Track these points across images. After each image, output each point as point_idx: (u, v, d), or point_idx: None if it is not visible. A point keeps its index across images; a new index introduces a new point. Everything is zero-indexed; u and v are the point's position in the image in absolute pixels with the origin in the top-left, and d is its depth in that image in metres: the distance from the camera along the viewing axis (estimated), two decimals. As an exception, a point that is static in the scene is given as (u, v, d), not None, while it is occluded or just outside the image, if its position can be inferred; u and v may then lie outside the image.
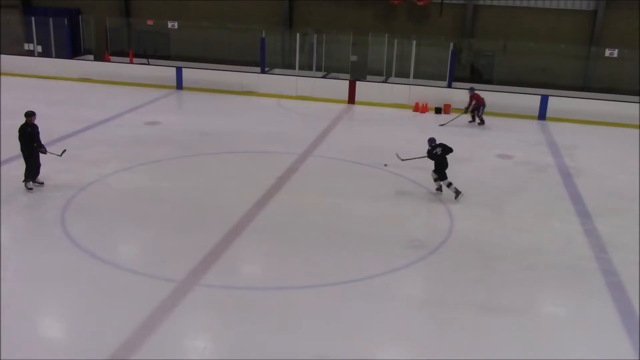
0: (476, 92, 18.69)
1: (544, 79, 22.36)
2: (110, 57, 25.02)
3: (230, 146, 15.56)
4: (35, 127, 11.98)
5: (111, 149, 14.87)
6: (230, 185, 12.91)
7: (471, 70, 24.15)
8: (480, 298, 8.72)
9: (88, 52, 26.03)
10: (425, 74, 22.55)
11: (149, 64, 23.90)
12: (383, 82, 22.39)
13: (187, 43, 25.32)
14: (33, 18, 25.13)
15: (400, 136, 17.30)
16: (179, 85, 22.27)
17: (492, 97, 19.74)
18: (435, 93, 20.69)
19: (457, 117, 18.91)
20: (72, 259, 9.43)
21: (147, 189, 12.52)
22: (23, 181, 11.93)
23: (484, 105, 18.56)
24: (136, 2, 26.34)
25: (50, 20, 24.99)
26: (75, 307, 8.31)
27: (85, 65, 23.59)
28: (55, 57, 24.48)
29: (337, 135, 16.35)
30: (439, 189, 12.65)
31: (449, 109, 20.26)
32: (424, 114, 20.24)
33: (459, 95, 20.20)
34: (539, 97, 20.23)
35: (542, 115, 20.08)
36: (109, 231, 10.55)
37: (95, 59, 25.26)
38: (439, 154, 12.48)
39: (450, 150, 12.50)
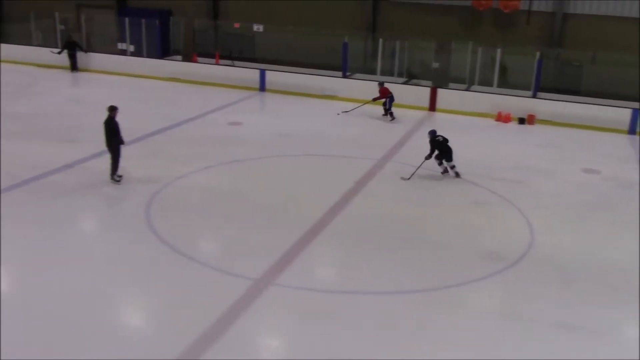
0: (385, 85, 19.52)
1: (635, 92, 21.40)
2: (197, 58, 25.78)
3: (310, 149, 15.73)
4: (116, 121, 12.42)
5: (195, 147, 15.34)
6: (308, 187, 13.06)
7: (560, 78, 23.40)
8: (559, 316, 8.46)
9: (177, 52, 26.91)
10: (509, 83, 22.05)
11: (234, 66, 24.49)
12: (465, 90, 22.04)
13: (271, 46, 25.76)
14: (127, 19, 26.25)
15: (480, 145, 16.99)
16: (262, 87, 22.69)
17: (579, 109, 19.10)
18: (519, 103, 20.19)
19: (361, 105, 19.65)
20: (154, 252, 9.79)
21: (227, 188, 12.85)
22: (110, 175, 12.45)
23: (391, 98, 19.23)
24: (225, 4, 27.04)
25: (143, 21, 26.02)
26: (155, 299, 8.63)
27: (173, 65, 24.41)
28: (146, 57, 25.45)
29: (417, 142, 16.22)
30: (445, 171, 13.91)
31: (533, 119, 19.74)
32: (506, 124, 19.79)
33: (545, 106, 19.65)
34: (630, 110, 19.38)
35: (632, 129, 19.22)
36: (190, 227, 10.89)
37: (183, 60, 26.07)
38: (441, 141, 13.70)
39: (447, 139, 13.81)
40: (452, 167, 13.86)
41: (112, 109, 12.33)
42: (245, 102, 21.01)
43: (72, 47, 24.38)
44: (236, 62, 25.06)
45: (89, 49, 25.41)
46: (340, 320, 8.14)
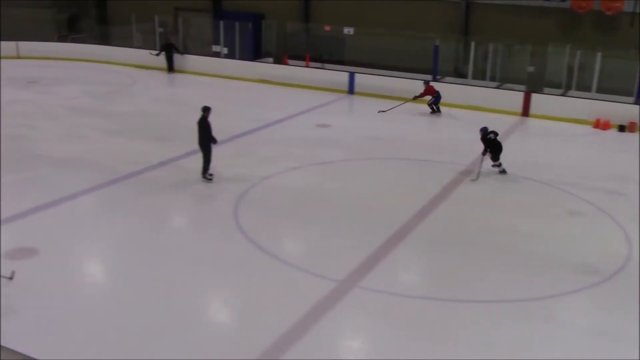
0: (431, 84, 19.87)
1: None
2: (288, 60, 26.17)
3: (397, 152, 15.61)
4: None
5: (283, 147, 15.57)
6: (395, 191, 12.97)
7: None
8: (658, 336, 7.98)
9: (268, 55, 27.42)
10: (609, 89, 21.03)
11: (323, 68, 24.68)
12: (561, 95, 21.22)
13: (360, 49, 25.77)
14: (221, 22, 27.00)
15: (576, 153, 16.31)
16: (351, 90, 22.74)
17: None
18: (619, 109, 19.21)
19: (402, 103, 19.76)
20: (240, 250, 10.00)
21: (314, 189, 12.96)
22: (202, 174, 12.83)
23: (438, 96, 19.66)
24: (316, 7, 27.30)
25: (237, 24, 26.69)
26: (239, 296, 8.82)
27: (264, 67, 24.90)
28: (239, 59, 26.09)
29: (508, 148, 15.74)
30: (503, 170, 13.88)
31: (634, 127, 18.74)
32: (605, 132, 18.89)
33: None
34: None
35: None
36: (277, 226, 11.06)
37: (274, 62, 26.54)
38: (493, 139, 13.79)
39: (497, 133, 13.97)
40: (499, 165, 13.95)
41: (206, 110, 12.69)
42: (334, 105, 21.12)
43: (169, 49, 25.34)
44: (326, 65, 25.25)
45: (185, 51, 26.32)
46: (422, 327, 8.03)
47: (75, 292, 8.62)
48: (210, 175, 12.83)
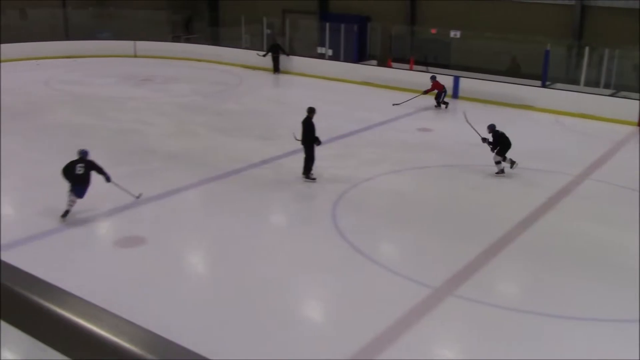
0: (437, 79, 20.22)
1: None
2: (392, 63, 26.07)
3: (500, 160, 15.16)
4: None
5: (384, 150, 15.52)
6: (497, 199, 12.62)
7: None
8: None
9: (373, 57, 27.43)
10: None
11: (427, 72, 24.38)
12: (684, 104, 19.84)
13: (467, 52, 25.26)
14: (327, 24, 27.30)
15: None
16: (455, 94, 22.32)
17: None
18: None
19: (415, 97, 20.11)
20: (337, 250, 10.07)
21: (413, 193, 12.83)
22: (304, 173, 13.01)
23: (444, 91, 20.20)
24: (423, 10, 27.04)
25: (342, 26, 26.89)
26: (334, 296, 8.88)
27: (368, 70, 24.93)
28: (343, 61, 26.27)
29: (621, 160, 14.95)
30: (502, 171, 13.69)
31: None
32: None
33: None
34: None
35: None
36: (374, 229, 11.04)
37: (378, 64, 26.51)
38: (502, 133, 13.73)
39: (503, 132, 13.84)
40: (504, 160, 13.75)
41: (311, 111, 12.89)
42: (437, 109, 20.82)
43: (276, 50, 25.91)
44: (430, 68, 24.93)
45: (291, 52, 26.82)
46: (517, 341, 7.75)
47: (175, 282, 9.00)
48: (313, 176, 12.97)
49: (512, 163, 13.73)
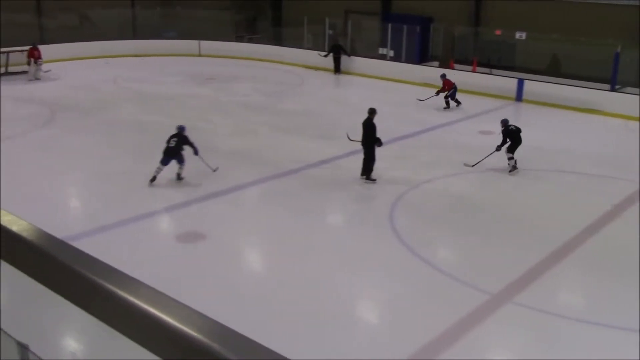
0: (447, 77, 20.16)
1: None
2: (454, 64, 25.74)
3: (563, 164, 14.78)
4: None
5: (443, 153, 15.35)
6: (559, 205, 12.29)
7: None
8: None
9: (435, 58, 27.16)
10: None
11: (490, 74, 23.97)
12: None
13: (532, 55, 24.70)
14: (390, 25, 27.18)
15: None
16: (519, 97, 21.87)
17: None
18: None
19: (433, 96, 19.91)
20: (393, 252, 10.04)
21: (472, 197, 12.65)
22: (363, 174, 13.00)
23: (454, 88, 20.00)
24: (487, 11, 26.59)
25: (405, 27, 26.73)
26: (390, 298, 8.86)
27: (429, 71, 24.63)
28: (404, 62, 26.11)
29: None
30: (515, 167, 13.64)
31: None
32: None
33: None
34: None
35: None
36: (431, 231, 10.96)
37: (440, 66, 26.21)
38: (514, 130, 13.69)
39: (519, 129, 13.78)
40: (512, 158, 13.72)
41: (372, 112, 12.89)
42: (499, 112, 20.40)
43: (337, 51, 25.96)
44: (493, 70, 24.49)
45: (352, 52, 26.82)
46: (575, 351, 7.54)
47: (233, 277, 9.15)
48: (374, 177, 12.93)
49: (513, 164, 13.80)
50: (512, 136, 13.72)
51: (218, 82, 23.73)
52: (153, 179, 12.41)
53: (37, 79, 22.66)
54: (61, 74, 23.18)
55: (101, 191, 12.50)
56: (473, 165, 13.94)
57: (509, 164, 13.77)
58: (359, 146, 13.13)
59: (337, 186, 12.92)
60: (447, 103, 20.19)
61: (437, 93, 20.19)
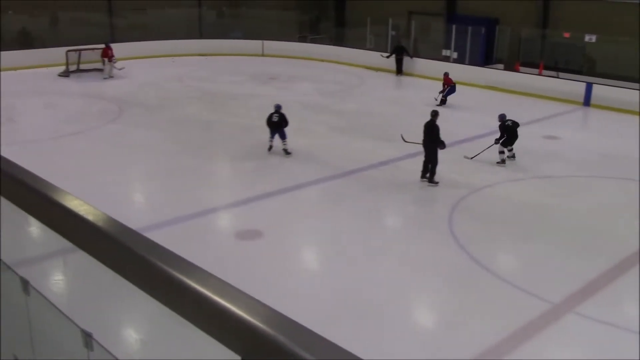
0: (449, 76, 20.58)
1: None
2: (520, 67, 25.21)
3: (632, 173, 14.23)
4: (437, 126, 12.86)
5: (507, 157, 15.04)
6: (627, 214, 11.86)
7: None
8: None
9: (499, 61, 26.66)
10: None
11: (557, 77, 23.36)
12: None
13: (602, 58, 23.94)
14: (454, 26, 26.83)
15: None
16: (586, 102, 21.22)
17: None
18: None
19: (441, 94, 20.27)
20: (452, 256, 9.91)
21: (535, 203, 12.35)
22: (425, 176, 12.87)
23: (452, 88, 20.28)
24: (556, 13, 25.91)
25: (469, 28, 26.33)
26: (446, 303, 8.75)
27: (494, 74, 24.24)
28: (468, 64, 25.74)
29: None
30: (503, 161, 14.00)
31: None
32: None
33: None
34: None
35: None
36: (491, 237, 10.77)
37: (505, 69, 25.73)
38: (511, 125, 13.96)
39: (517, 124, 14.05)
40: (510, 151, 14.13)
41: (435, 114, 12.79)
42: (565, 117, 19.91)
43: (400, 52, 25.80)
44: (560, 74, 23.85)
45: (415, 54, 26.61)
46: (646, 367, 7.28)
47: (288, 276, 9.23)
48: (436, 180, 12.80)
49: (511, 156, 14.23)
50: (508, 131, 14.05)
51: (280, 81, 23.97)
52: (270, 147, 14.51)
53: (111, 76, 23.44)
54: (130, 72, 23.89)
55: (164, 186, 12.84)
56: (472, 158, 14.24)
57: (499, 158, 14.11)
58: (419, 148, 13.03)
59: (396, 188, 12.86)
60: (443, 101, 20.38)
61: (443, 91, 20.68)
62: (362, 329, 7.84)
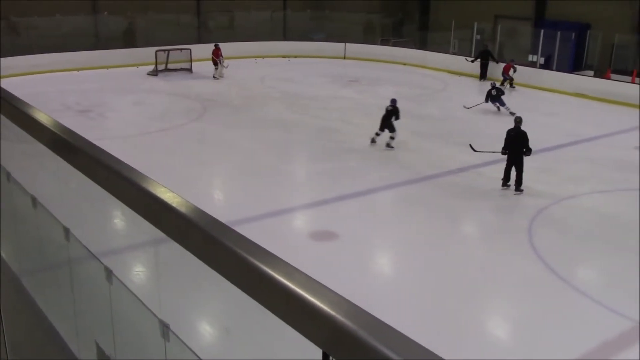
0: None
1: None
2: (611, 74, 24.20)
3: None
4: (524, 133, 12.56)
5: (593, 167, 14.51)
6: None
7: None
8: None
9: (589, 67, 25.69)
10: None
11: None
12: None
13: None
14: (542, 31, 26.06)
15: None
16: (683, 113, 20.11)
17: None
18: None
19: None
20: (529, 267, 9.64)
21: (623, 216, 11.82)
22: (507, 185, 12.58)
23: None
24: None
25: (558, 33, 25.51)
26: (522, 315, 8.52)
27: (583, 81, 23.38)
28: (555, 70, 24.94)
29: None
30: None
31: None
32: None
33: None
34: None
35: None
36: (573, 250, 10.40)
37: (595, 75, 24.76)
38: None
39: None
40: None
41: (520, 120, 12.52)
42: (509, 89, 18.99)
43: (486, 57, 25.29)
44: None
45: (500, 59, 26.02)
46: None
47: (362, 279, 9.22)
48: (522, 187, 12.50)
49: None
50: (489, 94, 15.37)
51: (361, 84, 24.01)
52: (373, 140, 15.53)
53: (221, 76, 24.12)
54: (214, 72, 24.53)
55: (244, 184, 13.12)
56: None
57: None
58: (499, 154, 12.75)
59: (475, 195, 12.63)
60: (510, 84, 22.28)
61: (503, 82, 22.22)
62: (436, 336, 7.74)
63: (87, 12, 27.34)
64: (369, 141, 15.65)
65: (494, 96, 19.09)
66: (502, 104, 19.07)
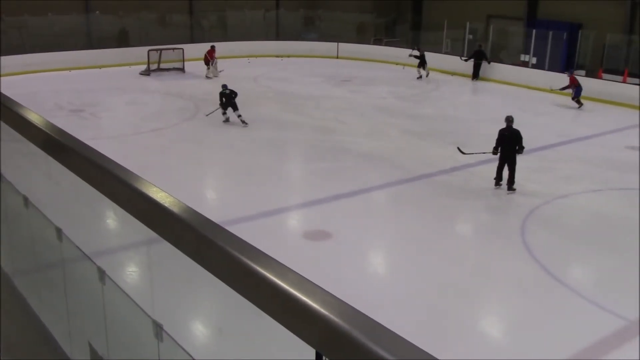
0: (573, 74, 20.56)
1: None
2: (602, 74, 24.30)
3: None
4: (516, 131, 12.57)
5: (585, 167, 14.57)
6: None
7: None
8: None
9: (581, 67, 25.78)
10: None
11: (642, 85, 22.36)
12: None
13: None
14: (534, 31, 26.13)
15: None
16: (674, 113, 20.23)
17: None
18: None
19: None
20: (522, 266, 9.66)
21: (614, 216, 11.89)
22: (500, 185, 12.62)
23: (579, 88, 20.25)
24: (644, 19, 24.83)
25: (550, 33, 25.58)
26: (515, 314, 8.55)
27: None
28: (547, 70, 25.02)
29: None
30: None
31: None
32: None
33: None
34: None
35: None
36: (566, 249, 10.43)
37: (587, 75, 24.83)
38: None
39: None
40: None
41: (511, 119, 12.54)
42: (579, 109, 19.10)
43: (479, 57, 25.35)
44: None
45: (492, 59, 26.08)
46: None
47: (356, 279, 9.22)
48: (514, 187, 12.53)
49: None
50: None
51: (354, 84, 24.02)
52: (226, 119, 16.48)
53: (215, 76, 24.07)
54: (206, 71, 24.48)
55: (237, 184, 13.11)
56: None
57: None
58: (491, 155, 12.79)
59: (468, 194, 12.66)
60: (579, 102, 20.62)
61: (562, 88, 20.96)
62: (429, 335, 7.76)
63: (79, 11, 27.23)
64: (361, 140, 15.64)
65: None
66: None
